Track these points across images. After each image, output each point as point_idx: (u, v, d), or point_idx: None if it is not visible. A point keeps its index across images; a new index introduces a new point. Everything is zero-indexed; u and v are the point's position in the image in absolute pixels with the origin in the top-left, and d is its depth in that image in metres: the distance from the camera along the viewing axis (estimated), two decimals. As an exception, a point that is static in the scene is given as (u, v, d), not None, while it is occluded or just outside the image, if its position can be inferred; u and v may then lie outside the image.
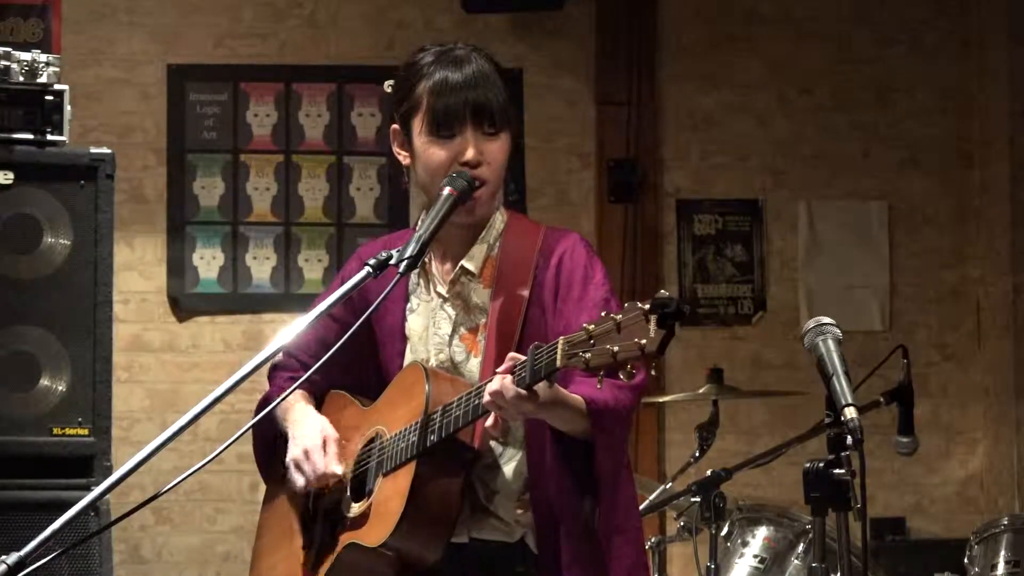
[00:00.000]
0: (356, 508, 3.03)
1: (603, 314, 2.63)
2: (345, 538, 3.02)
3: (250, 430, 3.28)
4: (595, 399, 2.84)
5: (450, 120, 3.01)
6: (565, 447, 2.92)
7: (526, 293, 3.01)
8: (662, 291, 2.56)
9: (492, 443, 3.00)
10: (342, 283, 3.15)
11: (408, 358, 3.10)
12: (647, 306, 2.53)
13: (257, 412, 3.26)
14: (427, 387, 2.95)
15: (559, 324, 2.96)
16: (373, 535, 2.93)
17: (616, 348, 2.56)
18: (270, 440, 3.22)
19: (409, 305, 3.13)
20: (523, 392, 2.73)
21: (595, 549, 2.95)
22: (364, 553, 2.95)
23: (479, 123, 3.01)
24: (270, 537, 3.29)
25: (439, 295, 3.09)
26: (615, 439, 2.93)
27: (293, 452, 3.09)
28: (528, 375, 2.72)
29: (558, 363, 2.66)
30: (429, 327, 3.08)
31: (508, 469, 3.01)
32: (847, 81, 6.88)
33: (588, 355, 2.60)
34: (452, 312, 3.07)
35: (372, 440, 3.07)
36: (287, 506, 3.24)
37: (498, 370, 2.80)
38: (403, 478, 2.92)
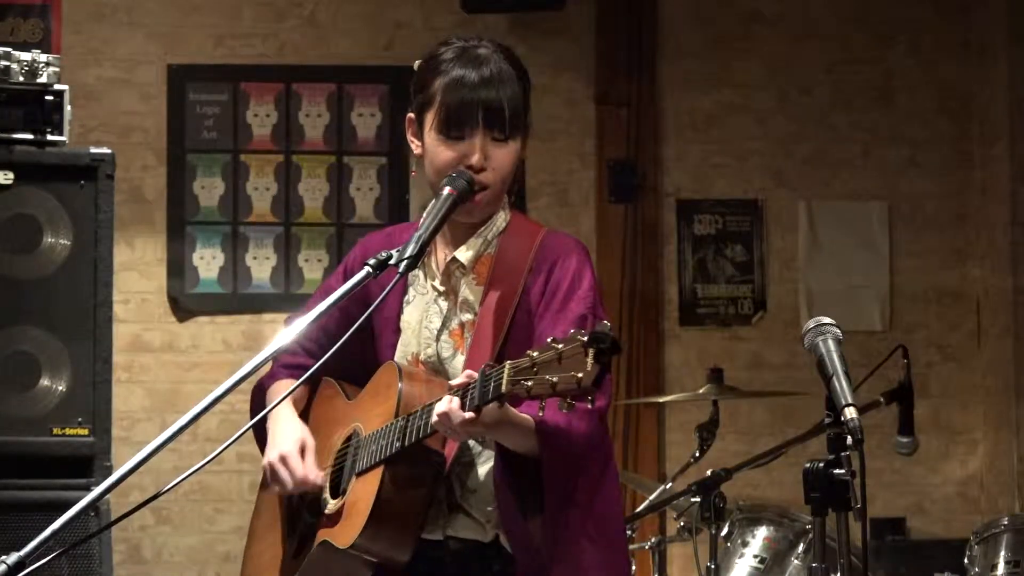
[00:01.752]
0: (332, 505, 3.05)
1: (548, 341, 2.62)
2: (321, 534, 3.03)
3: (250, 412, 3.30)
4: (544, 420, 2.80)
5: (460, 121, 2.99)
6: (517, 461, 2.90)
7: (516, 296, 3.00)
8: (603, 323, 2.56)
9: (471, 442, 3.00)
10: (345, 271, 3.16)
11: (399, 351, 3.10)
12: (585, 339, 2.54)
13: (252, 397, 3.28)
14: (400, 389, 2.96)
15: (537, 331, 2.95)
16: (343, 536, 2.95)
17: (555, 379, 2.57)
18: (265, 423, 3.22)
19: (407, 297, 3.12)
20: (469, 416, 2.73)
21: (554, 557, 2.91)
22: (335, 552, 2.97)
23: (489, 127, 2.99)
24: (262, 521, 3.31)
25: (435, 289, 3.09)
26: (565, 462, 2.89)
27: (269, 456, 3.10)
28: (477, 397, 2.72)
29: (503, 389, 2.66)
30: (422, 320, 3.08)
31: (484, 470, 3.00)
32: (847, 81, 6.88)
33: (530, 383, 2.61)
34: (444, 307, 3.07)
35: (350, 437, 3.08)
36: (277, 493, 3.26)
37: (452, 383, 2.80)
38: (371, 481, 2.93)
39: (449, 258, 3.06)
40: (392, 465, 2.91)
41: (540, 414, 2.66)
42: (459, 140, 3.00)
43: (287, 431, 3.12)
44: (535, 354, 2.62)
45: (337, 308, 2.96)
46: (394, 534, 2.92)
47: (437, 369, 3.05)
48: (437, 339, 3.06)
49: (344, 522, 2.98)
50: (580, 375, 2.53)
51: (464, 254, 3.05)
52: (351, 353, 3.02)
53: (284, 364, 3.21)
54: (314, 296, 3.23)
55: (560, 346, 2.58)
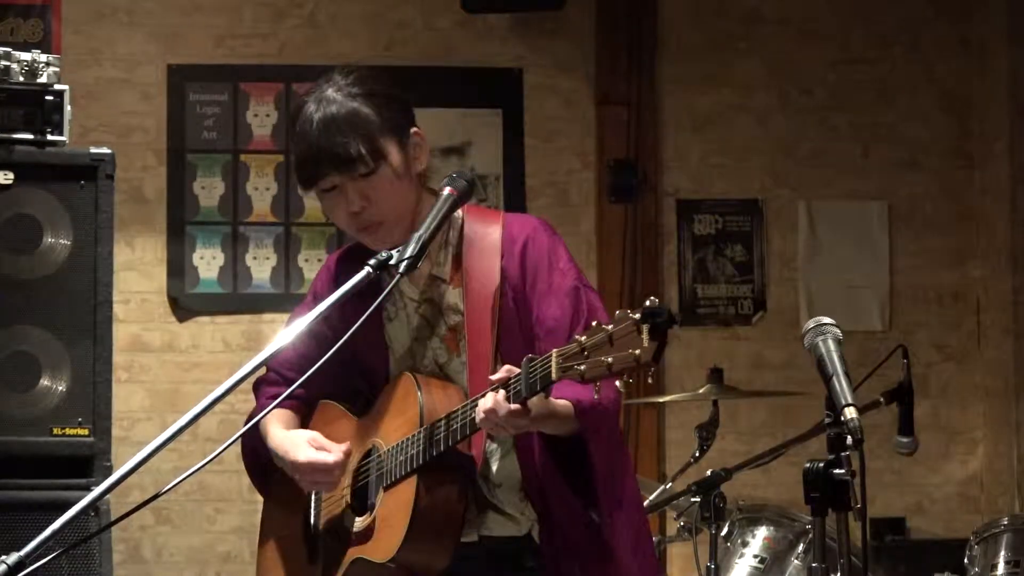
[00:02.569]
0: (360, 522, 3.03)
1: (594, 324, 2.62)
2: (352, 553, 3.01)
3: (242, 451, 3.28)
4: (581, 400, 2.83)
5: (314, 178, 2.97)
6: (554, 443, 2.92)
7: (495, 286, 2.99)
8: (652, 299, 2.55)
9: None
10: (314, 294, 3.15)
11: (393, 365, 3.10)
12: (638, 315, 2.53)
13: (245, 448, 3.26)
14: (420, 399, 2.94)
15: (530, 317, 2.96)
16: (380, 550, 2.93)
17: (610, 359, 2.57)
18: (263, 460, 3.21)
19: (386, 313, 3.11)
20: (516, 408, 2.73)
21: (595, 537, 2.94)
22: (372, 568, 2.95)
23: (345, 171, 2.95)
24: (274, 550, 3.27)
25: (412, 300, 3.08)
26: (604, 434, 2.94)
27: (293, 474, 3.08)
28: (524, 388, 2.72)
29: (553, 376, 2.67)
30: (410, 332, 3.08)
31: (504, 462, 3.02)
32: (847, 81, 6.88)
33: (583, 367, 2.61)
34: (428, 315, 3.07)
35: (369, 453, 3.06)
36: (288, 521, 3.23)
37: (492, 379, 2.79)
38: (405, 492, 2.92)
39: (426, 275, 3.05)
40: (424, 474, 2.90)
41: (596, 396, 2.66)
42: (330, 191, 2.97)
43: (291, 440, 3.09)
44: (583, 338, 2.62)
45: (312, 336, 2.91)
46: (434, 542, 2.91)
47: (438, 376, 3.04)
48: (431, 347, 3.05)
49: (379, 536, 2.96)
50: (638, 351, 2.53)
51: (441, 270, 3.05)
52: (338, 375, 3.02)
53: (270, 396, 3.17)
54: (288, 321, 3.19)
55: (610, 327, 2.58)
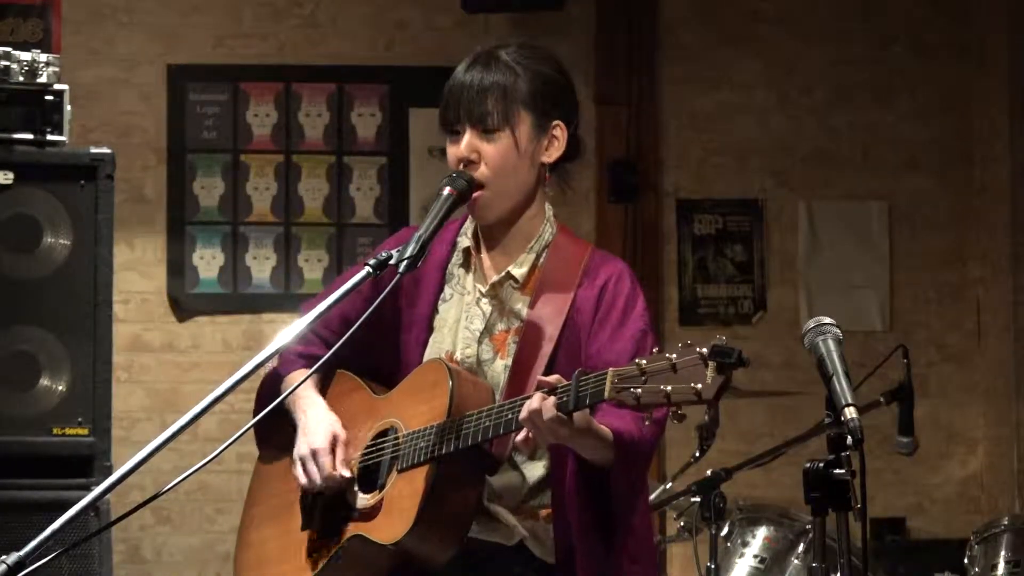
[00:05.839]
0: (366, 500, 2.99)
1: (654, 351, 2.61)
2: (352, 528, 2.98)
3: (257, 401, 3.22)
4: (622, 431, 2.80)
5: (449, 118, 3.00)
6: (588, 470, 2.89)
7: (565, 309, 2.97)
8: (721, 337, 2.55)
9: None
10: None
11: (431, 348, 3.06)
12: (705, 351, 2.53)
13: (263, 385, 3.20)
14: (451, 389, 2.90)
15: (592, 346, 2.93)
16: (385, 532, 2.90)
17: (669, 388, 2.56)
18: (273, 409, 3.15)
19: (443, 295, 3.09)
20: (562, 416, 2.70)
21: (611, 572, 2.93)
22: (371, 547, 2.92)
23: (474, 122, 2.97)
24: (263, 508, 3.24)
25: (479, 291, 3.06)
26: (636, 470, 2.92)
27: (300, 449, 3.04)
28: (572, 401, 2.69)
29: (606, 395, 2.64)
30: (461, 320, 3.05)
31: (516, 476, 2.99)
32: (847, 81, 6.88)
33: (639, 391, 2.59)
34: (487, 310, 3.04)
35: (385, 432, 3.02)
36: (284, 480, 3.17)
37: (540, 379, 2.77)
38: (420, 479, 2.89)
39: (503, 272, 3.03)
40: (444, 464, 2.87)
41: (646, 424, 2.65)
42: (457, 135, 2.99)
43: (318, 421, 3.05)
44: (643, 362, 2.60)
45: (361, 298, 2.95)
46: (440, 535, 2.89)
47: (473, 370, 3.01)
48: (479, 341, 3.02)
49: (384, 518, 2.93)
50: (699, 386, 2.53)
51: (518, 270, 3.03)
52: (368, 346, 2.99)
53: (298, 353, 3.13)
54: (335, 282, 3.19)
55: (673, 356, 2.57)
